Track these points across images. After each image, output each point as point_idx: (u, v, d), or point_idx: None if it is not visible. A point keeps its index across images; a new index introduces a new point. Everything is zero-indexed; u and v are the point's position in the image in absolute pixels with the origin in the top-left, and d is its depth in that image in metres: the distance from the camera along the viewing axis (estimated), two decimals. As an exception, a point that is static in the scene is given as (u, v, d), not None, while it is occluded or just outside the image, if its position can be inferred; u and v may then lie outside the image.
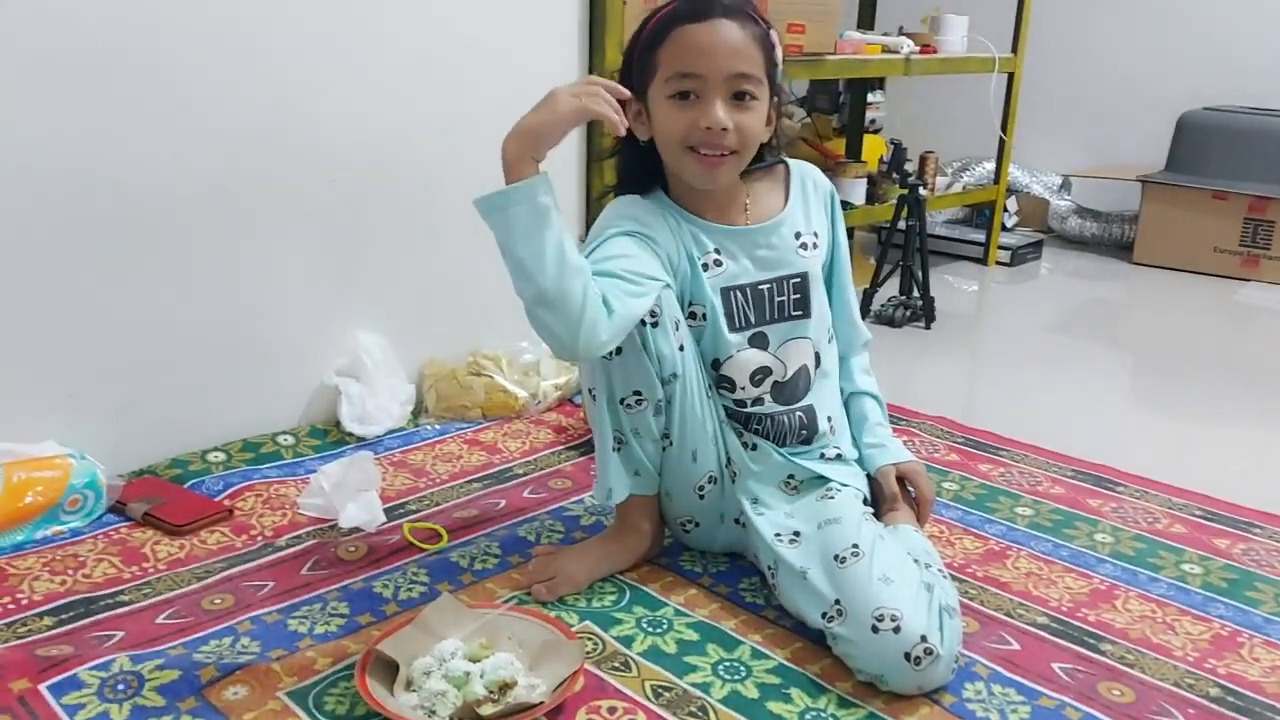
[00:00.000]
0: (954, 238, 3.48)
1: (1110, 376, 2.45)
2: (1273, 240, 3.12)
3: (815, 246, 1.35)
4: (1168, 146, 3.40)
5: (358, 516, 1.47)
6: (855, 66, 2.68)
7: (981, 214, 3.58)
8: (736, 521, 1.36)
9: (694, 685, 1.13)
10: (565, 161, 2.09)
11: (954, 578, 1.37)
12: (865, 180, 2.91)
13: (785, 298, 1.33)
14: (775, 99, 1.28)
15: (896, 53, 2.79)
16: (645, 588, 1.33)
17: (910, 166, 2.92)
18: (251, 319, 1.73)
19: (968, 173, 3.65)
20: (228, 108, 1.62)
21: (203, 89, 1.59)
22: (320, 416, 1.84)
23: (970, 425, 1.94)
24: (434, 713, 1.04)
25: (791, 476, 1.35)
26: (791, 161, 1.39)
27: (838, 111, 3.70)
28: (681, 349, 1.27)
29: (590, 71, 2.06)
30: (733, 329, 1.31)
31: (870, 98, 3.59)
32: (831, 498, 1.30)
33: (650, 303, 1.22)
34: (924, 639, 1.08)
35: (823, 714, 1.09)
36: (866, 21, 3.49)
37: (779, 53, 1.27)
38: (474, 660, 1.10)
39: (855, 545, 1.19)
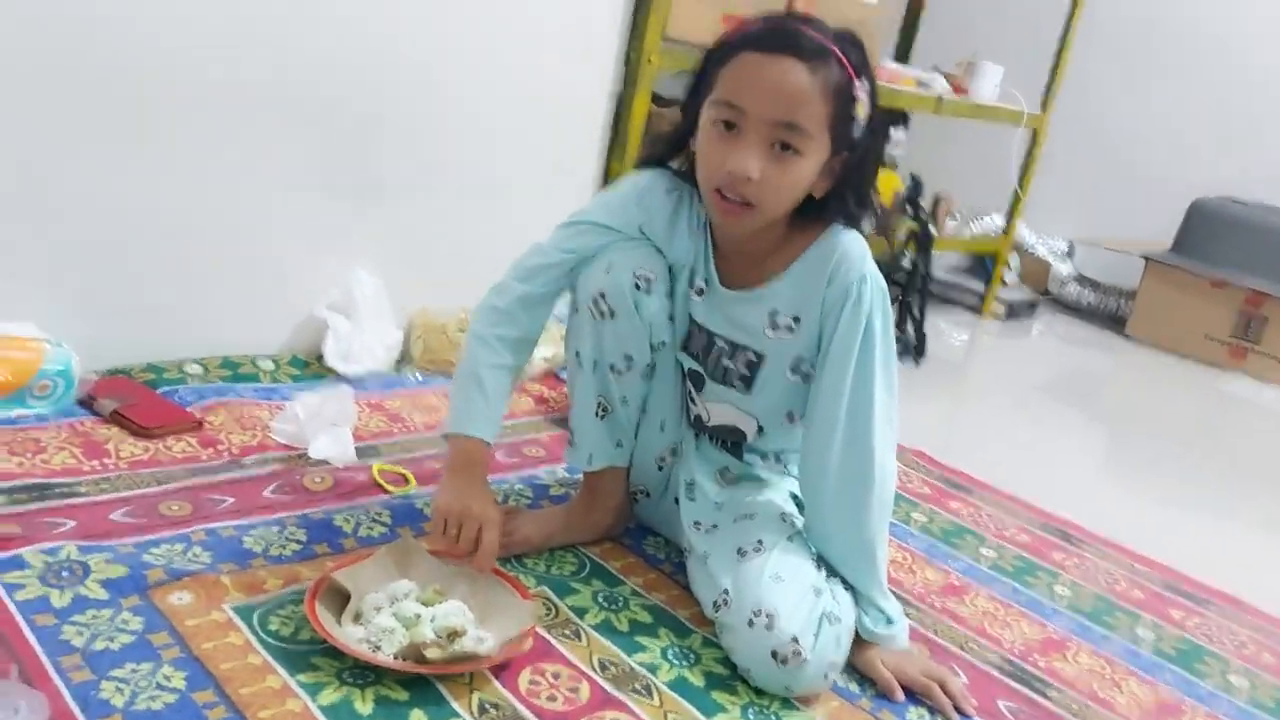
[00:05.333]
0: (953, 283, 3.50)
1: (1088, 442, 2.47)
2: (1264, 335, 3.15)
3: (790, 330, 1.20)
4: (1175, 229, 3.43)
5: (328, 449, 1.45)
6: (888, 96, 2.67)
7: (983, 265, 3.59)
8: (675, 500, 1.36)
9: (641, 664, 1.12)
10: (588, 142, 2.08)
11: (912, 606, 1.37)
12: (879, 209, 2.91)
13: (733, 365, 1.26)
14: (845, 153, 1.14)
15: (929, 89, 2.80)
16: (606, 564, 1.32)
17: (924, 204, 2.92)
18: (251, 237, 1.70)
19: (976, 222, 3.66)
20: (264, 8, 1.58)
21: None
22: (304, 347, 1.81)
23: (946, 463, 1.94)
24: (379, 648, 1.03)
25: (727, 469, 1.34)
26: (836, 236, 1.17)
27: (859, 141, 3.70)
28: (671, 319, 1.27)
29: (628, 49, 2.04)
30: (681, 349, 1.30)
31: (893, 134, 3.59)
32: (758, 494, 1.28)
33: (559, 292, 1.27)
34: (795, 640, 1.08)
35: (765, 710, 1.08)
36: (903, 56, 3.51)
37: (861, 106, 1.12)
38: (426, 604, 1.09)
39: (759, 541, 1.19)
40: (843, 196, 1.18)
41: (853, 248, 1.17)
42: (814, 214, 1.19)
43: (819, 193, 1.16)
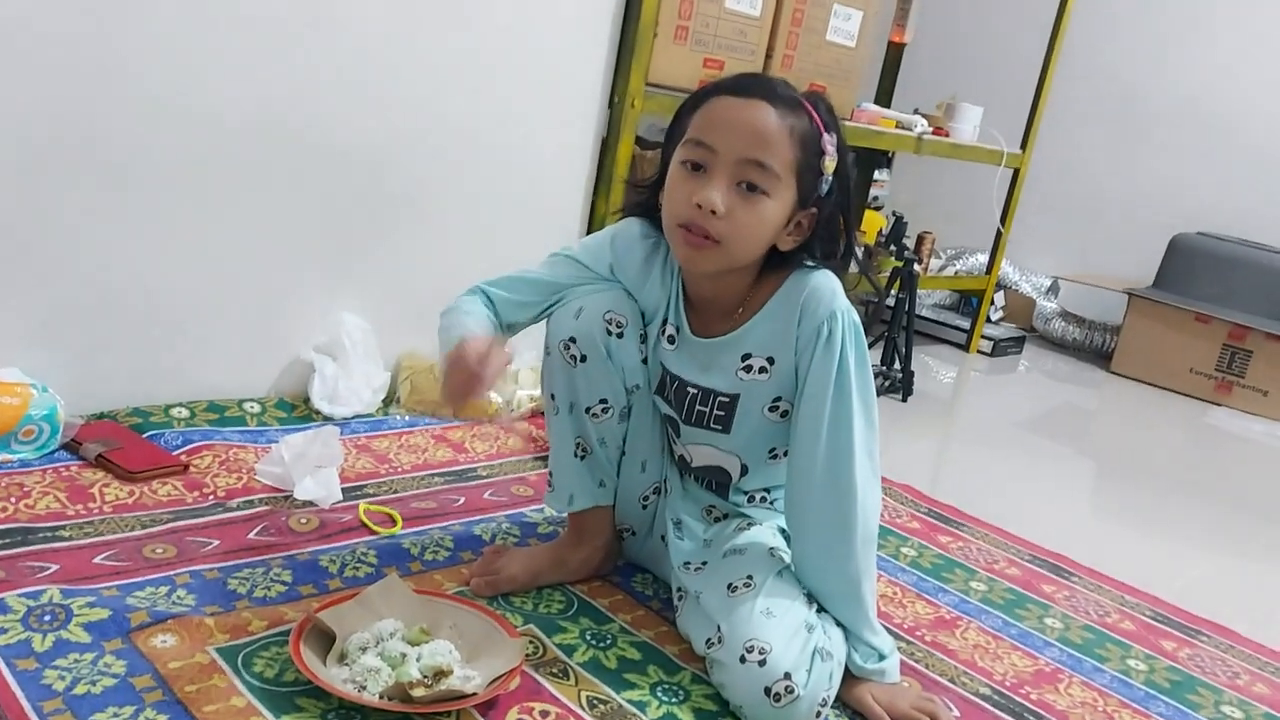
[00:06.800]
0: (939, 321, 3.52)
1: (1075, 476, 2.47)
2: (1248, 368, 3.18)
3: (764, 371, 1.20)
4: (1157, 264, 3.47)
5: (314, 490, 1.45)
6: (869, 136, 2.72)
7: (969, 302, 3.62)
8: (662, 539, 1.35)
9: (630, 701, 1.11)
10: (573, 186, 2.10)
11: (902, 639, 1.36)
12: (863, 251, 2.94)
13: (707, 409, 1.24)
14: (813, 210, 1.15)
15: (910, 130, 2.84)
16: (594, 601, 1.31)
17: (908, 242, 2.96)
18: (238, 282, 1.71)
19: (960, 261, 3.70)
20: (252, 57, 1.61)
21: (228, 33, 1.58)
22: (290, 389, 1.81)
23: (934, 497, 1.94)
24: (364, 688, 1.02)
25: (713, 506, 1.34)
26: (805, 275, 1.17)
27: (843, 182, 3.75)
28: (644, 361, 1.27)
29: (612, 93, 2.08)
30: (656, 392, 1.30)
31: (876, 175, 3.64)
32: (745, 528, 1.28)
33: (536, 313, 1.27)
34: (788, 676, 1.07)
35: (756, 748, 1.07)
36: (884, 99, 3.57)
37: (829, 160, 1.13)
38: (412, 644, 1.08)
39: (750, 576, 1.18)
40: (810, 250, 1.18)
41: (822, 284, 1.16)
42: (782, 265, 1.19)
43: (786, 247, 1.17)
